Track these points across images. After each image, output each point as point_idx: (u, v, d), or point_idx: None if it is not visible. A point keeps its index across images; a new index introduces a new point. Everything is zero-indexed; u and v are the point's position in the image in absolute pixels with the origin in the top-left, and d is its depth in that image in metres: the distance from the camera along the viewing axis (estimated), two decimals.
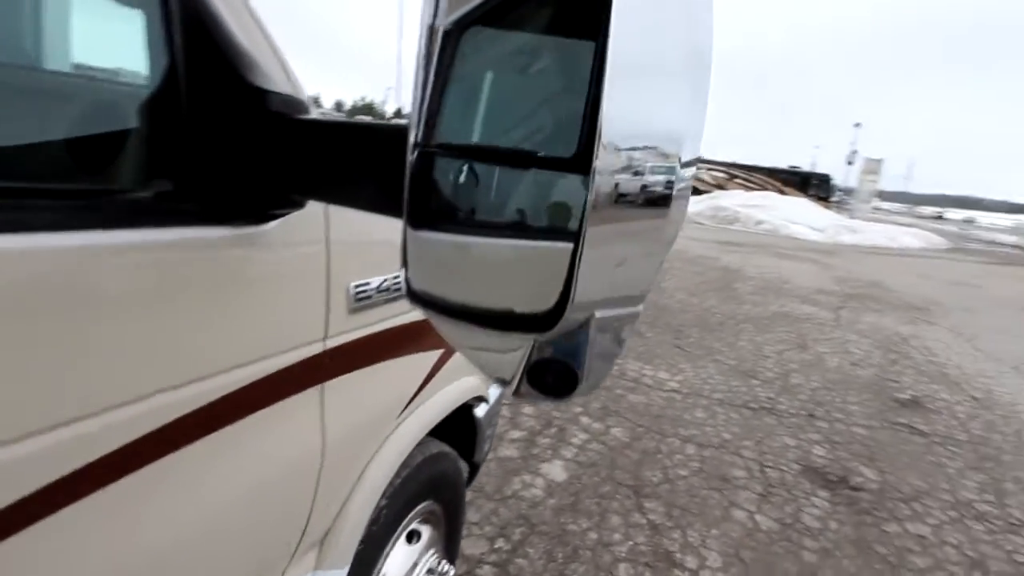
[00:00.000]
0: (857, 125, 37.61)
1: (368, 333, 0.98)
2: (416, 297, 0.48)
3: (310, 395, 0.86)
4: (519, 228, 0.42)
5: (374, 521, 1.10)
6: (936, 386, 4.54)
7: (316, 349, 0.85)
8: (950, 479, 3.04)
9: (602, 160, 0.34)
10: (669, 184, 0.36)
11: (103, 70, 0.75)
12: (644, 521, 2.36)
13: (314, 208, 0.82)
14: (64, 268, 0.53)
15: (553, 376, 0.40)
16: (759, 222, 18.56)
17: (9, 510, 0.49)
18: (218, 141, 0.66)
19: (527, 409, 3.27)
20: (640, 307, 0.41)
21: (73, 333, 0.53)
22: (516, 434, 2.96)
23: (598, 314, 0.38)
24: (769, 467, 2.95)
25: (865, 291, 8.70)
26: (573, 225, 0.37)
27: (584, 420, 3.22)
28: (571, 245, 0.36)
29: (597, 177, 0.34)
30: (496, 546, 2.09)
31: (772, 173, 30.34)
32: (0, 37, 0.76)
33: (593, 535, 2.23)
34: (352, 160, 0.61)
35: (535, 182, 0.41)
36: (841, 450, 3.24)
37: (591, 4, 0.36)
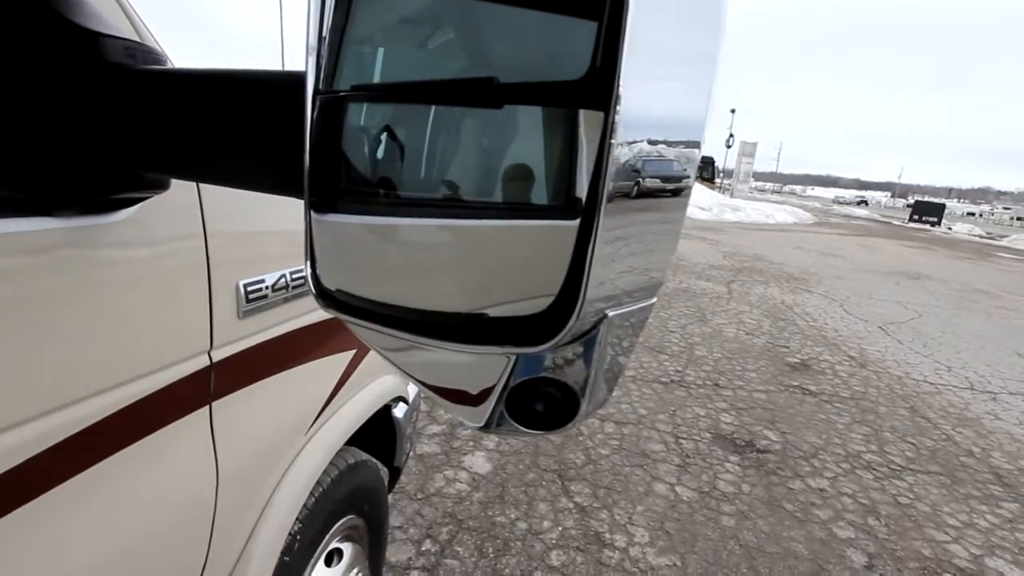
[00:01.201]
0: (733, 111, 40.34)
1: (264, 339, 0.82)
2: (329, 299, 0.36)
3: (195, 419, 0.71)
4: (479, 206, 0.31)
5: (287, 550, 0.95)
6: (819, 348, 4.95)
7: (199, 364, 0.70)
8: (840, 434, 3.30)
9: (628, 89, 0.23)
10: (696, 144, 0.27)
11: None
12: (571, 505, 2.34)
13: (183, 191, 0.66)
14: None
15: (544, 401, 0.29)
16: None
17: None
18: (35, 104, 0.49)
19: None
20: (655, 299, 0.32)
21: None
22: (435, 428, 2.85)
23: (611, 312, 0.28)
24: (683, 438, 3.05)
25: (751, 264, 9.36)
26: (580, 193, 0.26)
27: None
28: (576, 222, 0.26)
29: (618, 119, 0.24)
30: (423, 548, 1.98)
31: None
32: None
33: (522, 525, 2.17)
34: (227, 122, 0.46)
35: (503, 131, 0.30)
36: (746, 416, 3.42)
37: None
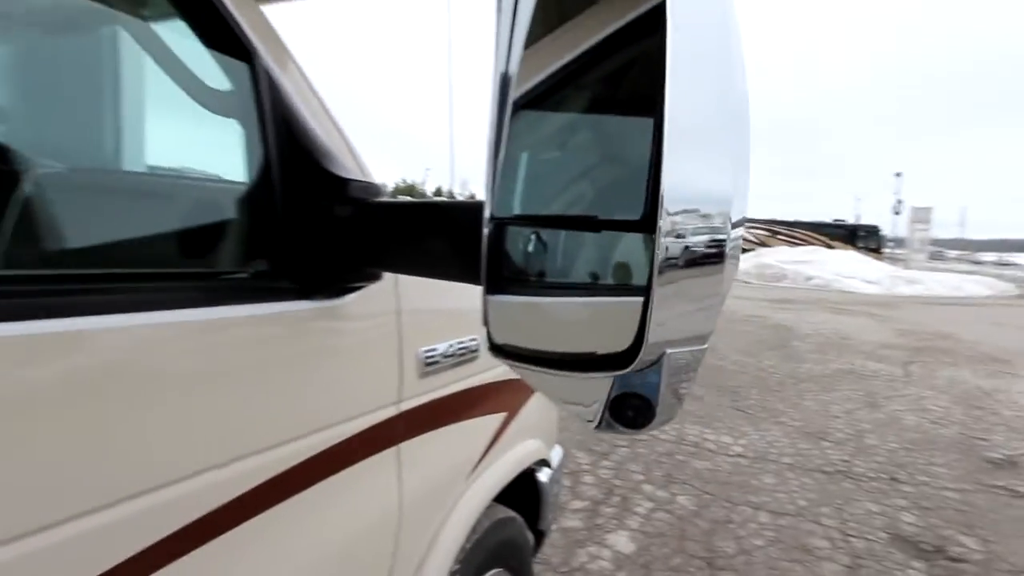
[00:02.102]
0: (898, 175, 36.77)
1: (437, 396, 1.02)
2: (499, 350, 0.52)
3: (387, 456, 0.90)
4: (590, 287, 0.48)
5: None
6: None
7: (391, 412, 0.90)
8: None
9: (664, 221, 0.39)
10: (722, 243, 0.41)
11: (210, 171, 0.87)
12: None
13: (386, 282, 0.89)
14: (182, 340, 0.60)
15: (633, 409, 0.43)
16: (809, 278, 18.07)
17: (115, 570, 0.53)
18: (306, 225, 0.74)
19: (587, 478, 3.18)
20: (707, 345, 0.44)
21: (182, 398, 0.60)
22: (578, 504, 2.88)
23: (669, 351, 0.42)
24: (853, 536, 2.74)
25: (934, 343, 8.24)
26: (640, 281, 0.42)
27: (647, 488, 3.11)
28: (642, 299, 0.41)
29: (662, 237, 0.39)
30: None
31: (816, 227, 29.75)
32: (129, 149, 0.90)
33: None
34: (427, 234, 0.68)
35: (601, 245, 0.47)
36: (933, 516, 2.99)
37: (648, 84, 0.42)
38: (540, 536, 1.69)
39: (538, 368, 0.49)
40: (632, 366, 0.41)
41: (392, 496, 0.92)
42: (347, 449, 0.81)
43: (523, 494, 1.52)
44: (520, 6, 0.48)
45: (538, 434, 1.49)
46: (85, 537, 0.50)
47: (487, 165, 0.56)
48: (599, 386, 0.44)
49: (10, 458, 0.46)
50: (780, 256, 21.24)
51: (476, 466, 1.17)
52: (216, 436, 0.63)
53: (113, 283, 0.60)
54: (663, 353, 0.41)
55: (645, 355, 0.41)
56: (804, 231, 29.56)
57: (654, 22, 0.43)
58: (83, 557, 0.51)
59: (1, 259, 0.56)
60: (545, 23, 0.49)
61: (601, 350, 0.43)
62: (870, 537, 2.74)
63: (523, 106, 0.52)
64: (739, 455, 3.68)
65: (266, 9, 0.82)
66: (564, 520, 2.71)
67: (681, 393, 0.44)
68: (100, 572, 0.52)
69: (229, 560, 0.65)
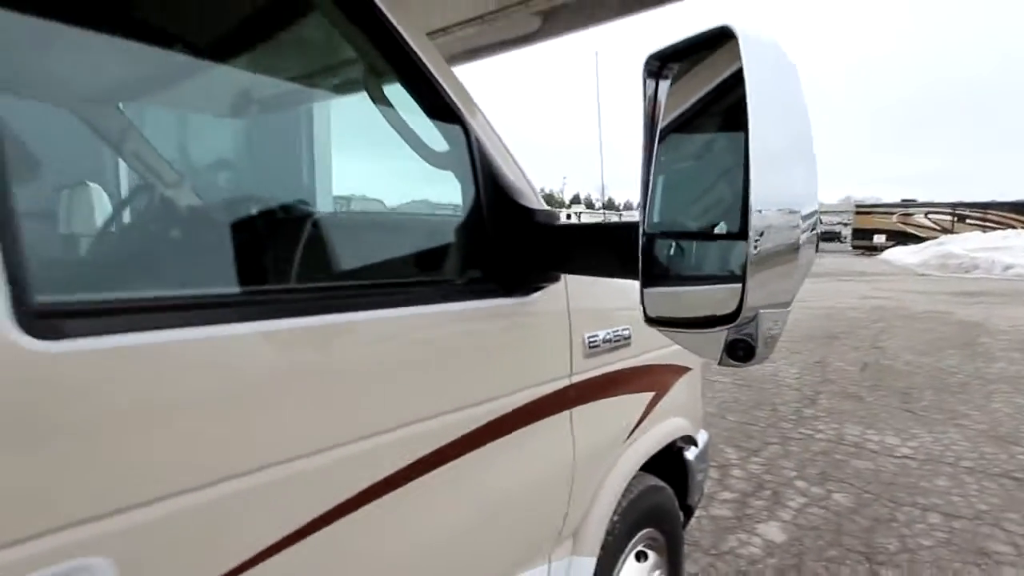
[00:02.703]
0: None
1: (599, 373, 1.28)
2: (652, 321, 0.77)
3: (563, 416, 1.18)
4: (709, 277, 0.72)
5: (610, 532, 1.35)
6: None
7: (565, 382, 1.18)
8: None
9: (753, 228, 0.61)
10: (795, 241, 0.62)
11: (442, 208, 1.22)
12: None
13: (559, 284, 1.18)
14: (427, 326, 0.92)
15: (741, 350, 0.65)
16: (1008, 267, 15.57)
17: (364, 492, 0.83)
18: (506, 244, 1.05)
19: (736, 472, 3.25)
20: (790, 308, 0.65)
21: (428, 365, 0.92)
22: (727, 495, 2.97)
23: (761, 311, 0.64)
24: None
25: None
26: (739, 271, 0.65)
27: (800, 484, 3.09)
28: (740, 285, 0.64)
29: (752, 241, 0.61)
30: None
31: (1018, 208, 25.33)
32: (389, 197, 1.29)
33: None
34: (597, 246, 0.95)
35: (714, 248, 0.71)
36: None
37: (737, 129, 0.65)
38: (688, 511, 1.88)
39: (678, 329, 0.73)
40: (737, 322, 0.64)
41: (568, 449, 1.19)
42: (537, 406, 1.11)
43: (672, 471, 1.73)
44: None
45: (684, 414, 1.69)
46: (372, 452, 0.81)
47: (640, 196, 0.82)
48: (718, 337, 0.67)
49: (335, 394, 0.78)
50: (969, 244, 18.55)
51: (631, 434, 1.42)
52: (448, 390, 0.94)
53: (381, 289, 0.94)
54: (757, 313, 0.63)
55: (744, 316, 0.63)
56: (1000, 212, 25.39)
57: (737, 80, 0.65)
58: (370, 463, 0.83)
59: (324, 275, 0.93)
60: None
61: (717, 313, 0.67)
62: None
63: (665, 132, 0.77)
64: (907, 456, 3.47)
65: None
66: (713, 509, 2.83)
67: (771, 340, 0.65)
68: (386, 474, 0.84)
69: (468, 473, 0.97)
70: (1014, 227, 22.46)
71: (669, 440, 1.58)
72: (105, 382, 0.54)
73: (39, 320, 0.50)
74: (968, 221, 25.48)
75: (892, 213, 30.45)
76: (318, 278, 0.97)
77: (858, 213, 32.92)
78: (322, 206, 1.09)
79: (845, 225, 35.94)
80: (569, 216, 33.74)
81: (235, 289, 0.83)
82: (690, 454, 1.79)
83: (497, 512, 1.06)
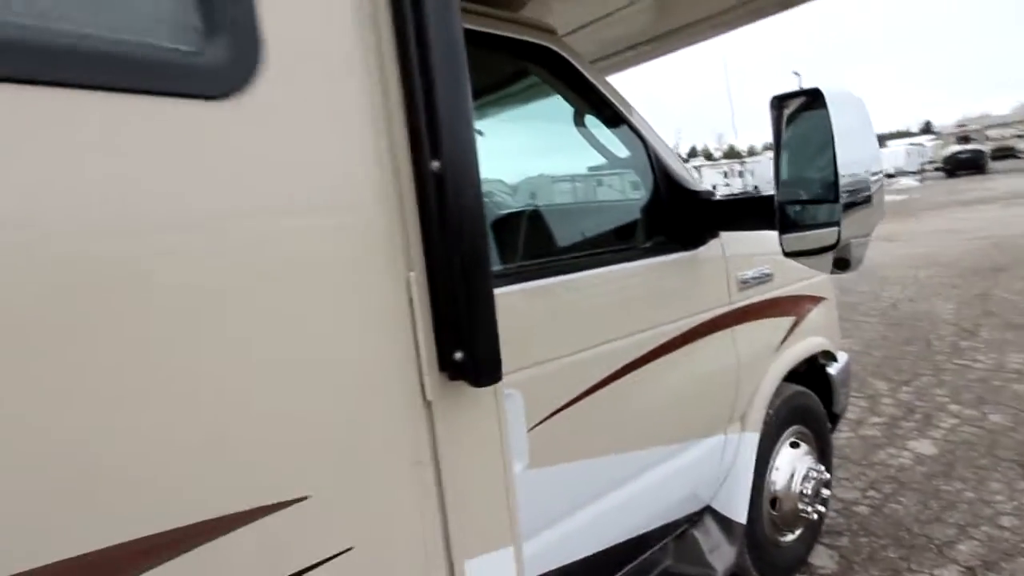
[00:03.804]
0: None
1: (750, 302, 1.75)
2: (788, 254, 1.25)
3: (727, 333, 1.68)
4: (820, 223, 1.18)
5: (767, 420, 1.83)
6: None
7: (726, 308, 1.67)
8: None
9: (840, 195, 1.07)
10: (868, 193, 1.07)
11: (632, 196, 1.75)
12: None
13: (717, 240, 1.66)
14: (632, 276, 1.46)
15: (841, 264, 1.11)
16: None
17: (609, 376, 1.39)
18: (678, 216, 1.56)
19: (886, 400, 3.48)
20: (871, 236, 1.10)
21: (638, 298, 1.46)
22: (876, 419, 3.24)
23: (852, 241, 1.09)
24: None
25: None
26: (836, 220, 1.10)
27: (953, 407, 3.26)
28: (837, 228, 1.10)
29: (840, 203, 1.07)
30: (868, 495, 2.51)
31: None
32: (603, 193, 1.86)
33: (970, 494, 2.43)
34: (750, 209, 1.43)
35: (822, 208, 1.17)
36: None
37: (825, 124, 1.11)
38: (834, 419, 2.28)
39: (804, 257, 1.21)
40: (836, 248, 1.10)
41: (733, 356, 1.69)
42: (709, 325, 1.61)
43: (818, 384, 2.14)
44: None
45: (822, 335, 2.10)
46: (611, 352, 1.38)
47: (774, 181, 1.29)
48: (827, 257, 1.13)
49: (586, 317, 1.36)
50: None
51: (778, 348, 1.87)
52: (649, 314, 1.48)
53: (602, 254, 1.49)
54: (849, 243, 1.09)
55: (841, 244, 1.09)
56: None
57: (824, 108, 1.11)
58: (610, 358, 1.40)
59: (568, 247, 1.51)
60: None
61: (825, 244, 1.13)
62: None
63: (784, 154, 1.23)
64: None
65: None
66: (862, 430, 3.12)
67: (859, 257, 1.11)
68: (621, 364, 1.40)
69: (668, 368, 1.50)
70: None
71: (810, 353, 2.00)
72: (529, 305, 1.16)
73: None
74: None
75: None
76: (568, 249, 1.55)
77: None
78: (571, 199, 1.72)
79: (1021, 137, 31.11)
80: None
81: (542, 260, 1.43)
82: (832, 369, 2.20)
83: (689, 394, 1.59)
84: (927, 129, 72.34)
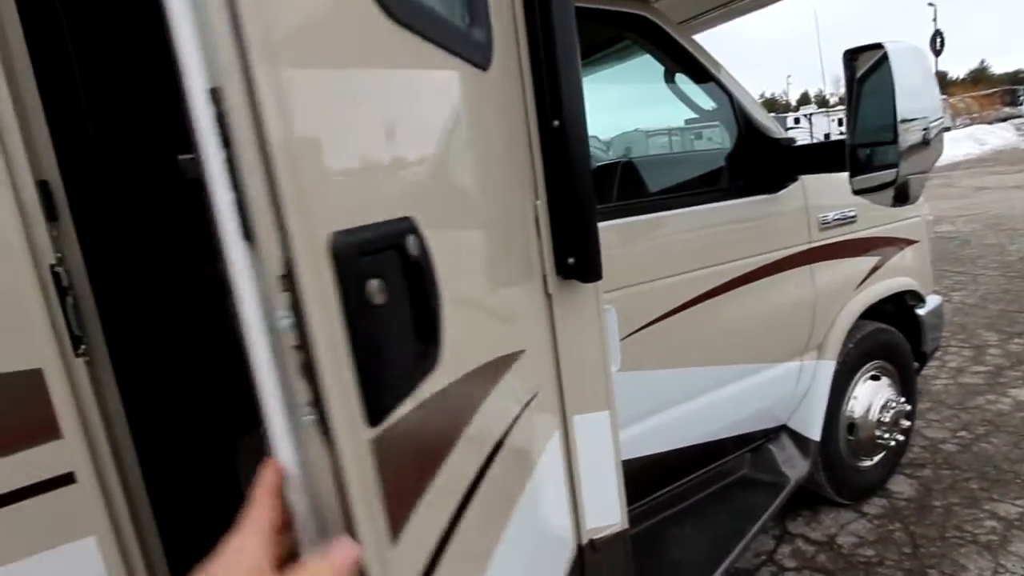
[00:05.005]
0: None
1: (830, 241, 1.89)
2: (857, 192, 1.41)
3: (806, 269, 1.84)
4: (883, 165, 1.33)
5: (844, 352, 1.98)
6: None
7: (806, 246, 1.83)
8: None
9: (900, 138, 1.22)
10: (927, 136, 1.21)
11: (716, 144, 1.94)
12: None
13: (798, 183, 1.81)
14: (706, 218, 1.66)
15: (900, 197, 1.26)
16: None
17: (700, 295, 1.61)
18: (764, 163, 1.73)
19: (993, 350, 3.39)
20: (928, 172, 1.24)
21: (727, 234, 1.66)
22: (979, 368, 3.19)
23: (910, 177, 1.24)
24: None
25: None
26: (895, 161, 1.26)
27: None
28: (896, 168, 1.25)
29: (900, 144, 1.22)
30: (959, 435, 2.56)
31: None
32: (692, 143, 2.06)
33: None
34: (824, 156, 1.58)
35: (885, 148, 1.31)
36: None
37: (888, 79, 1.26)
38: (922, 359, 2.36)
39: (871, 194, 1.37)
40: (897, 184, 1.26)
41: (810, 289, 1.85)
42: (790, 260, 1.79)
43: (908, 325, 2.24)
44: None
45: (909, 275, 2.18)
46: (699, 278, 1.60)
47: (846, 119, 1.44)
48: (889, 192, 1.29)
49: (676, 248, 1.59)
50: None
51: (859, 285, 2.00)
52: (736, 247, 1.68)
53: (678, 196, 1.70)
54: (907, 179, 1.24)
55: (899, 180, 1.25)
56: None
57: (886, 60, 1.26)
58: (699, 283, 1.62)
59: (665, 188, 1.73)
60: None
61: (887, 181, 1.29)
62: None
63: (855, 103, 1.38)
64: None
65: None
66: (962, 378, 3.10)
67: (918, 193, 1.25)
68: (708, 288, 1.62)
69: (752, 294, 1.71)
70: None
71: (892, 292, 2.10)
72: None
73: None
74: None
75: None
76: (655, 193, 1.79)
77: None
78: (661, 150, 1.98)
79: None
80: (798, 120, 30.52)
81: (634, 200, 1.68)
82: (920, 310, 2.27)
83: (765, 321, 1.79)
84: None
